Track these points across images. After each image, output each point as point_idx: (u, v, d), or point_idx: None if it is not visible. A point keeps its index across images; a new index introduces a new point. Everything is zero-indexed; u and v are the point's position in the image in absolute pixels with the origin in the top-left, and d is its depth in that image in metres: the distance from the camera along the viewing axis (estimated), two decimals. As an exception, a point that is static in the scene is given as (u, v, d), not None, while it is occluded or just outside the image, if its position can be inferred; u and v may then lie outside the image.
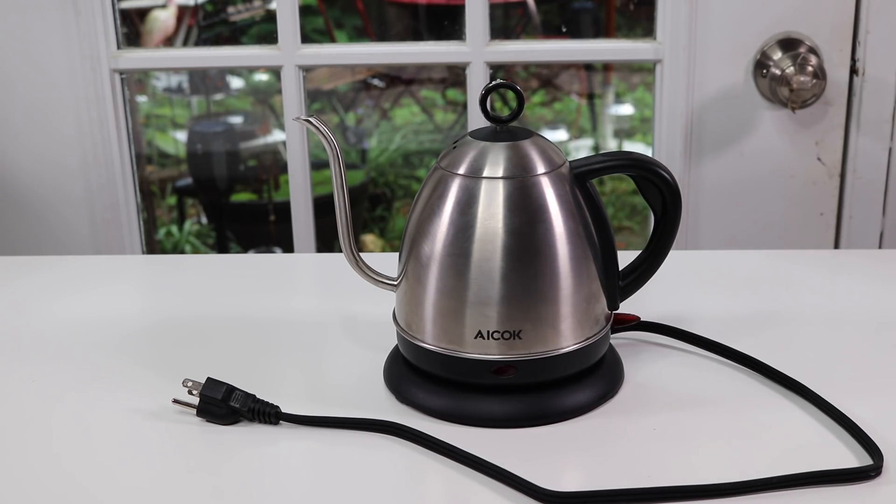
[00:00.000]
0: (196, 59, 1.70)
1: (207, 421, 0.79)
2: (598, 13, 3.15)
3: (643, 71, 3.05)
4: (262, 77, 3.22)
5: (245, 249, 2.71)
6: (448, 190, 0.78)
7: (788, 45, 1.30)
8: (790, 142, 1.35)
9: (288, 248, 1.57)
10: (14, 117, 1.44)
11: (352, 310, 0.99)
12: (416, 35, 3.11)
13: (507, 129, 0.80)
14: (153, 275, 1.18)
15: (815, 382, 0.81)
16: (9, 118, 1.44)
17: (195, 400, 0.79)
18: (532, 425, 0.79)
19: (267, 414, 0.79)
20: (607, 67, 3.12)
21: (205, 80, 3.11)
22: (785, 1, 1.30)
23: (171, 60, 1.71)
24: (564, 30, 3.08)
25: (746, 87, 1.33)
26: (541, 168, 0.78)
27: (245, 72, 3.16)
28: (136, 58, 1.46)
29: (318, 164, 1.70)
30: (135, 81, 2.72)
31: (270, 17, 3.05)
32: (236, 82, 3.28)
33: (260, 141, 2.89)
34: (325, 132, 0.81)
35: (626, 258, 0.84)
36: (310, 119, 0.81)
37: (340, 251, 0.84)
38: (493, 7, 1.37)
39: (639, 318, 0.90)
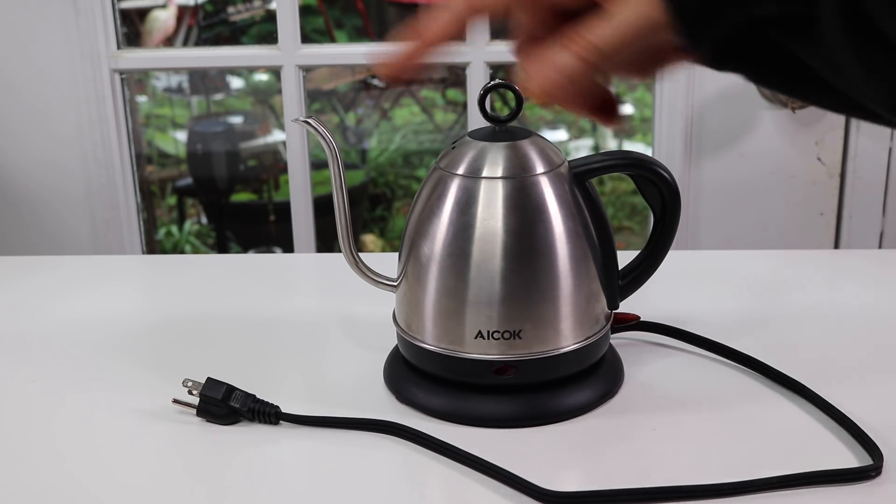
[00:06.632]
0: (196, 59, 1.70)
1: (207, 421, 0.79)
2: (598, 13, 3.15)
3: (643, 71, 3.04)
4: (262, 77, 3.22)
5: (245, 249, 2.72)
6: (447, 190, 0.78)
7: (788, 44, 1.30)
8: (790, 142, 1.35)
9: (288, 248, 1.57)
10: (14, 117, 1.44)
11: (352, 310, 0.99)
12: (416, 35, 3.11)
13: (506, 129, 0.80)
14: (153, 275, 1.18)
15: (815, 382, 0.81)
16: (8, 118, 1.44)
17: (195, 400, 0.79)
18: (532, 425, 0.78)
19: (267, 414, 0.78)
20: (607, 67, 3.11)
21: (205, 80, 3.12)
22: (785, 1, 1.30)
23: (171, 60, 1.72)
24: (564, 30, 3.07)
25: (746, 87, 1.33)
26: (540, 168, 0.78)
27: (245, 72, 3.16)
28: (136, 58, 1.46)
29: (318, 164, 1.70)
30: (135, 81, 2.72)
31: (270, 17, 3.05)
32: (236, 82, 3.29)
33: (260, 141, 2.89)
34: (323, 133, 0.80)
35: (625, 258, 0.84)
36: (308, 120, 0.81)
37: (340, 251, 0.84)
38: (493, 7, 1.37)
39: (639, 318, 0.90)
